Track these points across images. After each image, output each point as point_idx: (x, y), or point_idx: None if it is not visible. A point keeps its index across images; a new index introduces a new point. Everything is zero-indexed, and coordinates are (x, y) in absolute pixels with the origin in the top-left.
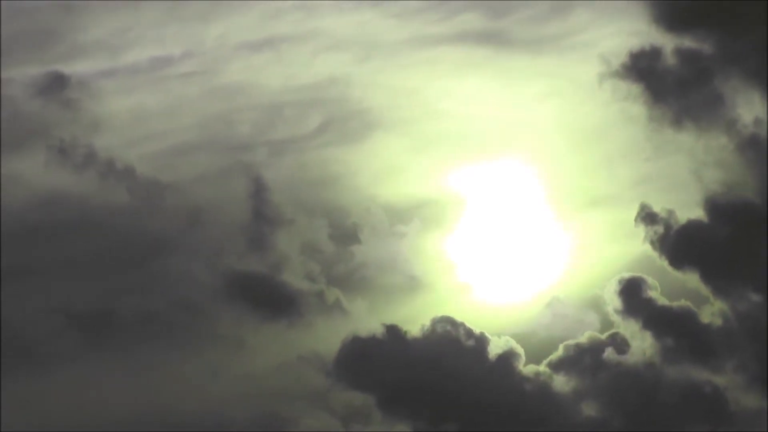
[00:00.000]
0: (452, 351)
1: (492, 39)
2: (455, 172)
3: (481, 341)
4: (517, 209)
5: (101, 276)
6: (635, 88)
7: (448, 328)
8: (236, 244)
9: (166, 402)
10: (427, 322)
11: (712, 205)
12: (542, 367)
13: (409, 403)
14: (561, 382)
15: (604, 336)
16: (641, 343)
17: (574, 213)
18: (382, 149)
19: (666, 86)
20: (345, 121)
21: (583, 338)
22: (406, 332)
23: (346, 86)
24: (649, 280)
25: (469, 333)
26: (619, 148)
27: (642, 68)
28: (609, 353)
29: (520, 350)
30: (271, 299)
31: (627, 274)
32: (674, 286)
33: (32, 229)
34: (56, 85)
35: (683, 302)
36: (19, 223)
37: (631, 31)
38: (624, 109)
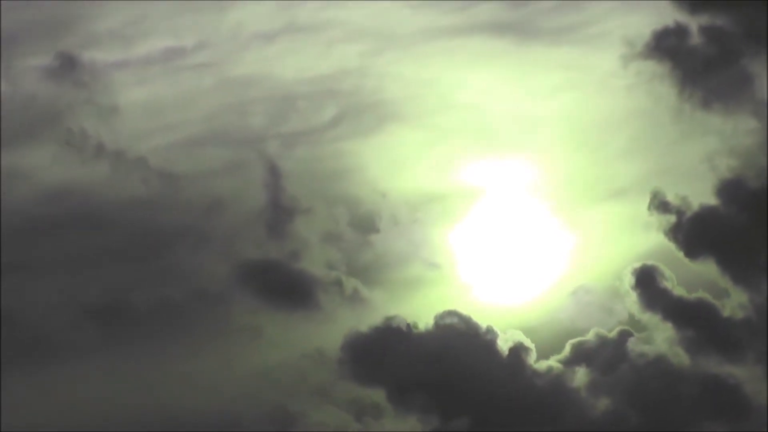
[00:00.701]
0: (462, 345)
1: (510, 30)
2: (470, 165)
3: (491, 336)
4: (531, 202)
5: (115, 268)
6: (661, 68)
7: (457, 321)
8: (252, 234)
9: (175, 396)
10: (437, 316)
11: (727, 191)
12: (553, 362)
13: (420, 398)
14: (574, 377)
15: (617, 330)
16: (660, 335)
17: (590, 205)
18: (396, 142)
19: (693, 65)
20: (359, 113)
21: (601, 330)
22: (413, 325)
23: (361, 77)
24: (666, 272)
25: (479, 327)
26: (638, 138)
27: (668, 47)
28: (631, 344)
29: (530, 345)
30: (288, 289)
31: (640, 263)
32: (691, 277)
33: (45, 221)
34: (68, 68)
35: (702, 293)
36: (31, 216)
37: (654, 16)
38: (650, 91)
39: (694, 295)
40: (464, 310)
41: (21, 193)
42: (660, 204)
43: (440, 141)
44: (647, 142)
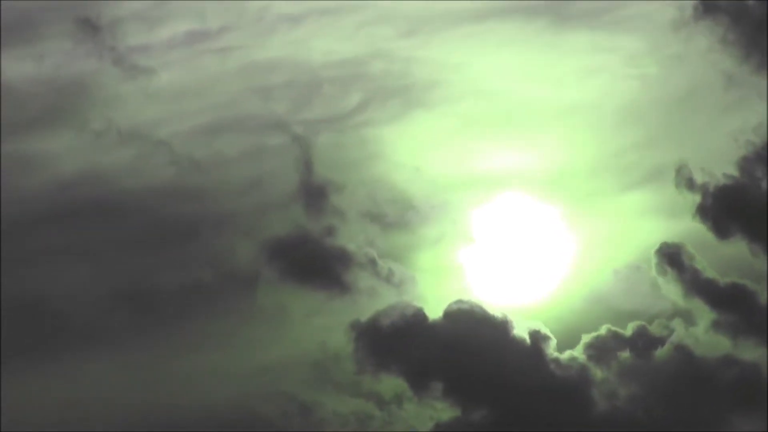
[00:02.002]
0: (482, 333)
1: (543, 12)
2: (497, 152)
3: (510, 324)
4: (559, 189)
5: (141, 255)
6: (717, 27)
7: (475, 309)
8: (282, 215)
9: (199, 383)
10: (452, 303)
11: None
12: (577, 352)
13: (440, 386)
14: (596, 366)
15: (632, 326)
16: (699, 320)
17: (620, 191)
18: (423, 129)
19: (750, 25)
20: (386, 99)
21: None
22: (426, 313)
23: (388, 62)
24: (697, 256)
25: (499, 316)
26: (671, 122)
27: (721, 7)
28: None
29: (550, 334)
30: (318, 273)
31: (664, 242)
32: (725, 261)
33: (67, 208)
34: (90, 51)
35: (737, 279)
36: (54, 202)
37: None
38: (703, 58)
39: (727, 279)
40: (487, 298)
41: (43, 179)
42: (686, 182)
43: (467, 127)
44: (680, 126)
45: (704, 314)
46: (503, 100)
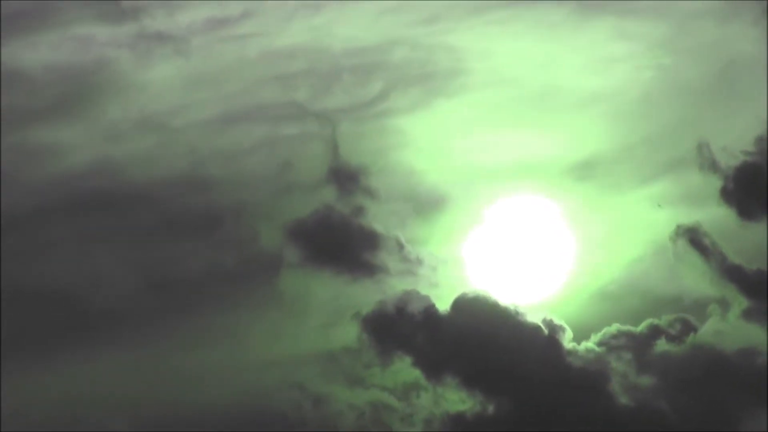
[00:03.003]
0: (497, 323)
1: None
2: (520, 142)
3: (525, 315)
4: (584, 179)
5: (165, 243)
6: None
7: (489, 299)
8: (302, 203)
9: (201, 379)
10: (469, 292)
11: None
12: (591, 344)
13: (456, 377)
14: (615, 358)
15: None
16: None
17: (643, 179)
18: (445, 118)
19: None
20: (407, 87)
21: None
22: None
23: (410, 49)
24: (719, 240)
25: (513, 306)
26: (694, 108)
27: None
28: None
29: (565, 325)
30: (344, 255)
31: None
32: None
33: (84, 199)
34: (109, 39)
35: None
36: (68, 193)
37: None
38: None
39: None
40: (503, 288)
41: (57, 169)
42: (709, 163)
43: (489, 116)
44: (702, 112)
45: (736, 302)
46: (526, 88)
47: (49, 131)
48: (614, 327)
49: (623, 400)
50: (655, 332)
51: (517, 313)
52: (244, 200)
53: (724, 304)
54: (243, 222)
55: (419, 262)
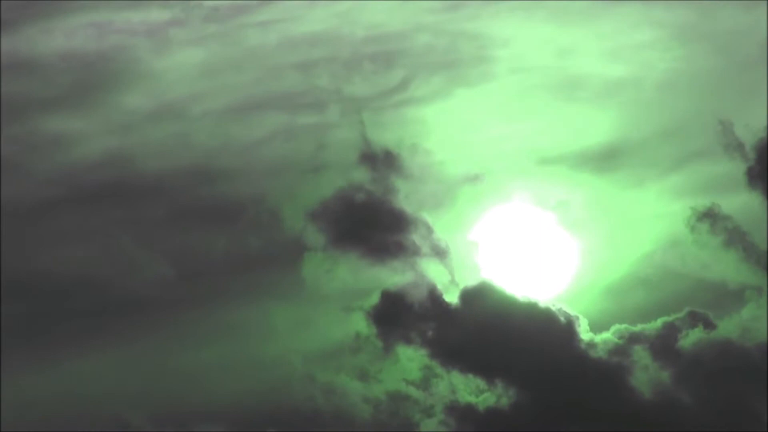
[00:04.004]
0: (515, 313)
1: None
2: (544, 130)
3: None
4: (609, 168)
5: (184, 234)
6: None
7: (500, 290)
8: (327, 186)
9: (216, 372)
10: (486, 282)
11: None
12: (610, 335)
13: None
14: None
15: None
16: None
17: (671, 166)
18: (466, 109)
19: None
20: (428, 76)
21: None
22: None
23: (433, 36)
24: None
25: (532, 298)
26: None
27: None
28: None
29: (581, 316)
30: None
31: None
32: None
33: (99, 189)
34: (125, 26)
35: None
36: (83, 183)
37: None
38: None
39: None
40: (523, 276)
41: (71, 158)
42: (734, 145)
43: (513, 104)
44: (726, 96)
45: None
46: (551, 76)
47: (63, 120)
48: (633, 319)
49: (643, 392)
50: (675, 325)
51: (533, 302)
52: (266, 188)
53: (759, 291)
54: (264, 210)
55: (439, 248)
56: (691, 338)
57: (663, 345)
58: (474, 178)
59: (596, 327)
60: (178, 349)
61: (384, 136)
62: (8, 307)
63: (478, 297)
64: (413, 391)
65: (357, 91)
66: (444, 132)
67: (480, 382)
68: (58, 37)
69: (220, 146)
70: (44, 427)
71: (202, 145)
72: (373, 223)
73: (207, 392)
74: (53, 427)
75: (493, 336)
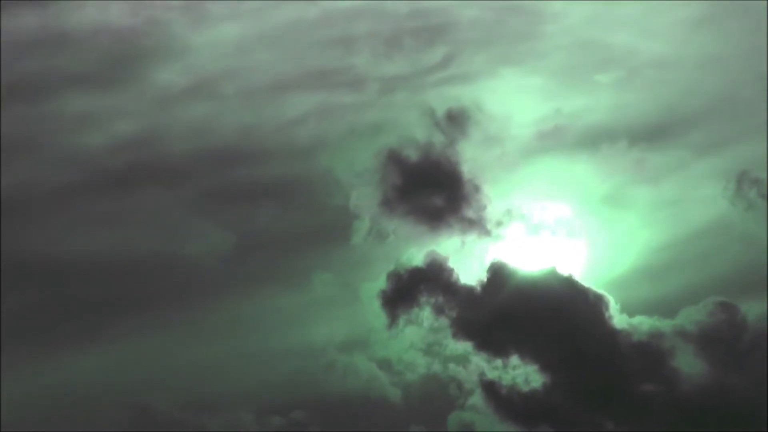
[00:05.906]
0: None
1: None
2: (590, 107)
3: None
4: (660, 150)
5: (223, 215)
6: None
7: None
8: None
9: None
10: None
11: None
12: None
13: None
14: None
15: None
16: None
17: (724, 140)
18: (510, 88)
19: None
20: (472, 53)
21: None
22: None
23: (478, 10)
24: None
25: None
26: None
27: None
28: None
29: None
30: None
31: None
32: None
33: (130, 170)
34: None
35: None
36: (110, 164)
37: None
38: None
39: None
40: (566, 255)
41: (109, 136)
42: None
43: (559, 83)
44: None
45: None
46: (600, 51)
47: (94, 97)
48: (674, 303)
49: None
50: (717, 308)
51: (569, 280)
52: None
53: None
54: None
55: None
56: (735, 320)
57: (706, 329)
58: (515, 157)
59: (632, 310)
60: (214, 336)
61: (408, 120)
62: (40, 289)
63: (506, 276)
64: (446, 372)
65: (396, 69)
66: (490, 111)
67: (517, 362)
68: (89, 11)
69: (253, 126)
70: (52, 422)
71: (237, 123)
72: (427, 188)
73: (238, 379)
74: (61, 423)
75: (527, 314)
